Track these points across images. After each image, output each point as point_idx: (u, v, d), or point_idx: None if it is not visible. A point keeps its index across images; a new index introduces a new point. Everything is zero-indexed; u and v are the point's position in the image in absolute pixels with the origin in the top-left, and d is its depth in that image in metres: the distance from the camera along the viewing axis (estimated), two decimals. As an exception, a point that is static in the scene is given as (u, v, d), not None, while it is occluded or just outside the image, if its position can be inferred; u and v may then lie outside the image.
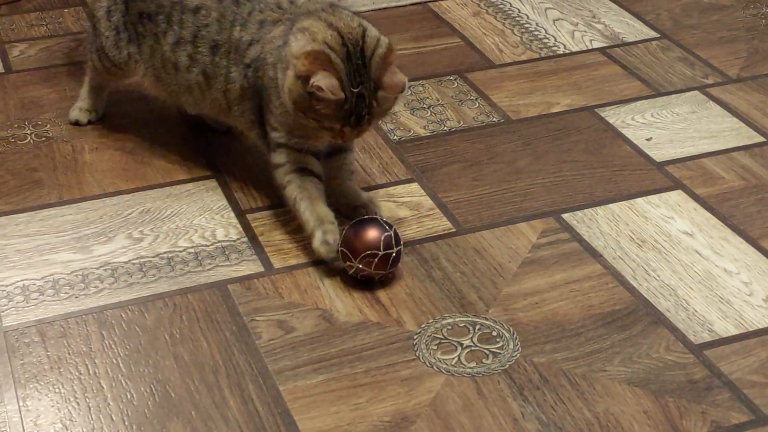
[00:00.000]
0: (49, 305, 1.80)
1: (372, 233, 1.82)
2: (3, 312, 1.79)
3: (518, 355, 1.72)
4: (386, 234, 1.82)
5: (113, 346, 1.72)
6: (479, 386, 1.66)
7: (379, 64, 1.79)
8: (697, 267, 1.91)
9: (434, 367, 1.69)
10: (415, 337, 1.76)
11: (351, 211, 1.96)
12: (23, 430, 1.57)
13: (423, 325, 1.78)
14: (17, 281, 1.85)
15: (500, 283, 1.87)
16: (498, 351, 1.73)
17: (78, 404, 1.61)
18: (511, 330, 1.77)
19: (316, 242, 1.86)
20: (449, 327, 1.78)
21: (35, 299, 1.82)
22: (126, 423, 1.58)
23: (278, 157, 1.93)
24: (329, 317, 1.80)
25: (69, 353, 1.70)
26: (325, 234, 1.85)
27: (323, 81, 1.73)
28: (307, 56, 1.76)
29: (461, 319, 1.80)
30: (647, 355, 1.71)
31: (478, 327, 1.78)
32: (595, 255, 1.93)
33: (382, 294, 1.84)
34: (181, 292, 1.84)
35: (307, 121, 1.82)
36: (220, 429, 1.57)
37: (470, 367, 1.69)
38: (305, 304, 1.82)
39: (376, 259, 1.81)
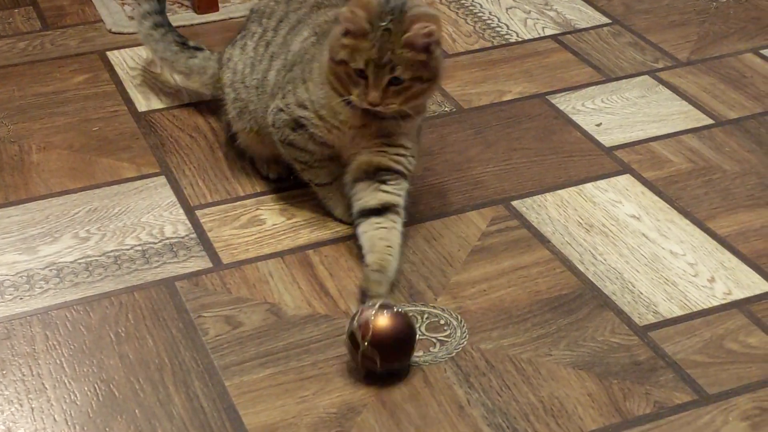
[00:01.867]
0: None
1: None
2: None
3: (465, 342, 1.72)
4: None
5: (57, 346, 1.71)
6: (426, 375, 1.66)
7: (414, 16, 1.79)
8: (643, 250, 1.91)
9: (381, 357, 1.69)
10: (363, 328, 1.75)
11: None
12: (-33, 432, 1.56)
13: (371, 316, 1.78)
14: (-37, 284, 1.85)
15: (449, 272, 1.87)
16: (445, 339, 1.73)
17: (21, 406, 1.61)
18: (459, 318, 1.77)
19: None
20: (397, 317, 1.78)
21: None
22: (69, 423, 1.57)
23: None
24: (277, 311, 1.79)
25: (12, 355, 1.70)
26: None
27: (350, 11, 1.78)
28: (351, 3, 1.81)
29: (410, 308, 1.79)
30: (592, 338, 1.72)
31: (426, 316, 1.78)
32: (544, 241, 1.94)
33: (330, 286, 1.84)
34: (127, 290, 1.83)
35: (339, 70, 1.82)
36: (164, 427, 1.57)
37: (417, 356, 1.69)
38: (253, 298, 1.81)
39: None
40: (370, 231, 1.86)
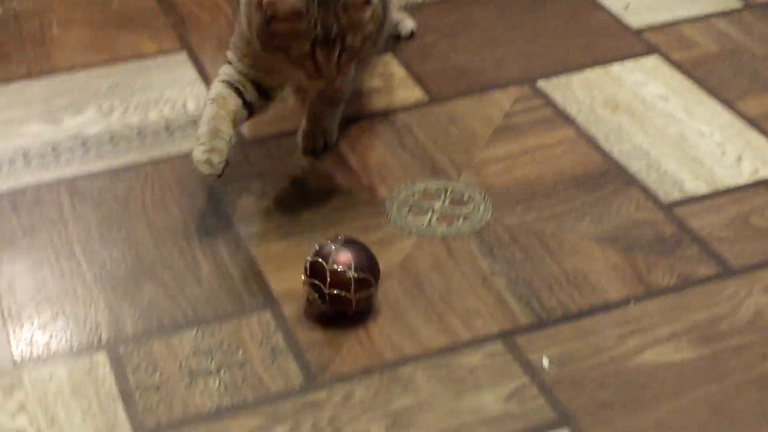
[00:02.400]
0: (20, 175, 1.80)
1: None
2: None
3: (489, 216, 1.72)
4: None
5: (86, 213, 1.72)
6: (449, 247, 1.66)
7: None
8: (670, 129, 1.90)
9: (405, 230, 1.70)
10: (387, 202, 1.76)
11: None
12: (-4, 294, 1.58)
13: (395, 191, 1.78)
14: (-13, 154, 1.85)
15: (473, 150, 1.87)
16: (469, 214, 1.73)
17: (52, 268, 1.62)
18: (483, 193, 1.77)
19: (197, 155, 1.64)
20: (421, 192, 1.78)
21: (6, 170, 1.81)
22: (99, 285, 1.59)
23: (221, 70, 1.76)
24: (301, 183, 1.80)
25: (42, 221, 1.71)
26: (211, 152, 1.64)
27: None
28: None
29: (434, 183, 1.80)
30: (617, 214, 1.72)
31: (449, 191, 1.78)
32: (569, 120, 1.93)
33: (354, 161, 1.84)
34: (152, 162, 1.83)
35: (277, 59, 1.62)
36: (193, 290, 1.58)
37: (441, 229, 1.70)
38: (278, 171, 1.81)
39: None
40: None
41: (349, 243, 1.51)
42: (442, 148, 1.87)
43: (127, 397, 1.41)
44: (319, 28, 1.55)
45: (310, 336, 1.51)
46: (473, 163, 1.84)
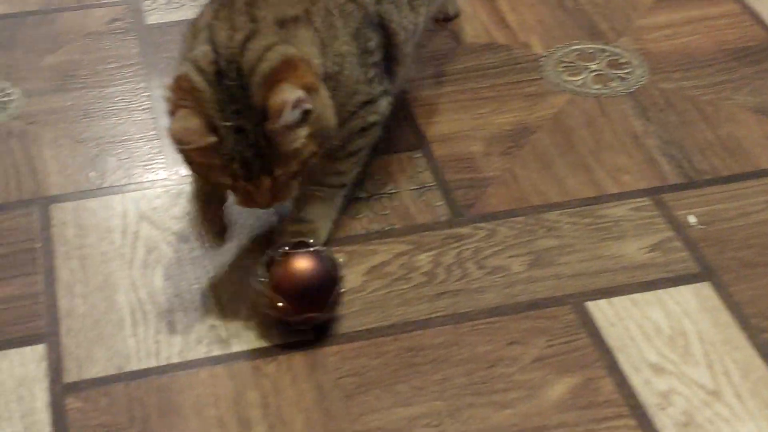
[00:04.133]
0: (188, 9, 1.85)
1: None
2: (146, 12, 1.86)
3: (645, 80, 1.71)
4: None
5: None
6: (602, 105, 1.66)
7: (262, 83, 1.22)
8: (839, 9, 1.85)
9: (559, 86, 1.70)
10: (542, 59, 1.76)
11: None
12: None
13: (551, 49, 1.78)
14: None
15: (633, 16, 1.85)
16: (625, 76, 1.72)
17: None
18: (640, 58, 1.76)
19: None
20: (577, 52, 1.78)
21: (176, 3, 1.87)
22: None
23: None
24: (457, 37, 1.81)
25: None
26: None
27: (177, 125, 1.21)
28: (172, 87, 1.25)
29: (590, 45, 1.79)
30: (777, 86, 1.69)
31: (606, 53, 1.77)
32: (734, -6, 1.89)
33: (511, 18, 1.84)
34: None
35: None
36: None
37: (595, 89, 1.69)
38: (433, 24, 1.83)
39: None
40: None
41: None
42: (602, 11, 1.86)
43: (279, 215, 1.46)
44: (237, 164, 1.22)
45: (457, 177, 1.53)
46: (633, 28, 1.82)
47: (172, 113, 1.23)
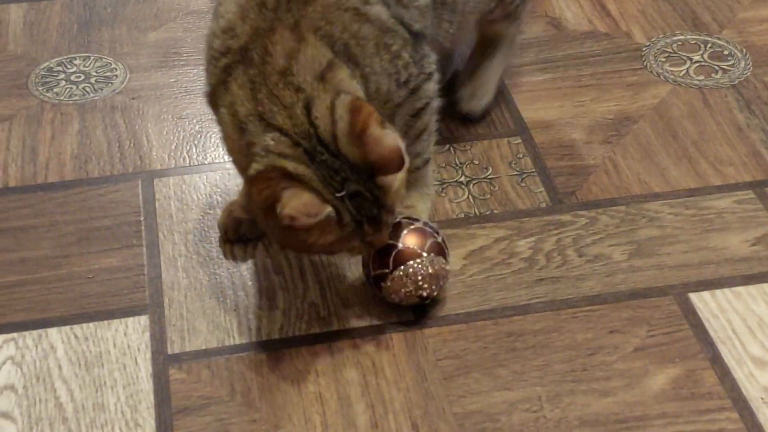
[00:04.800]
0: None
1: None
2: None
3: (749, 73, 1.68)
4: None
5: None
6: (705, 97, 1.64)
7: (351, 143, 1.18)
8: None
9: (661, 76, 1.68)
10: (644, 49, 1.74)
11: None
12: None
13: (653, 39, 1.76)
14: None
15: (736, 8, 1.82)
16: (728, 68, 1.70)
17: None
18: (744, 51, 1.73)
19: None
20: (679, 43, 1.76)
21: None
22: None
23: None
24: (558, 24, 1.80)
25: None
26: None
27: (292, 203, 1.14)
28: (257, 182, 1.18)
29: (693, 36, 1.77)
30: None
31: (709, 45, 1.75)
32: (842, -12, 1.85)
33: (612, 7, 1.83)
34: None
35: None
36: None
37: (698, 80, 1.67)
38: (534, 11, 1.82)
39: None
40: None
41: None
42: (705, 2, 1.84)
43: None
44: (366, 224, 1.20)
45: (558, 163, 1.53)
46: (736, 20, 1.80)
47: (268, 206, 1.16)
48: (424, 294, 1.27)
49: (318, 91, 1.19)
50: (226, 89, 1.22)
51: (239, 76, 1.20)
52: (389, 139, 1.16)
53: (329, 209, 1.16)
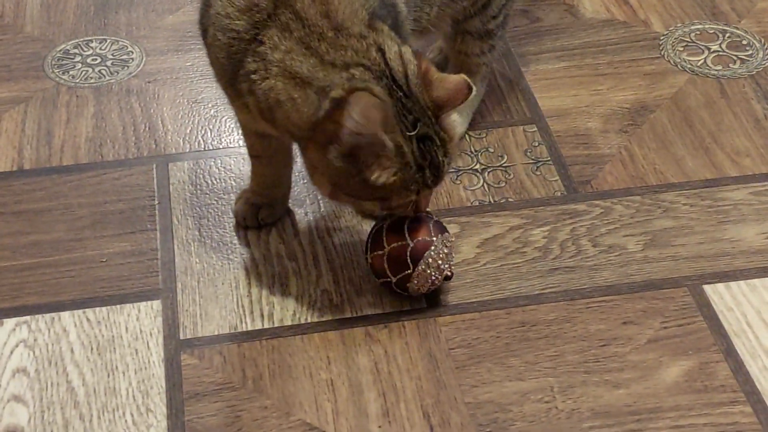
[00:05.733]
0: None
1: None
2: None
3: (767, 63, 1.67)
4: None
5: None
6: (723, 87, 1.63)
7: (421, 84, 1.20)
8: None
9: (678, 66, 1.67)
10: (662, 38, 1.73)
11: None
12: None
13: (671, 28, 1.75)
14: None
15: (756, -2, 1.81)
16: (746, 58, 1.69)
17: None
18: (762, 41, 1.72)
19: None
20: (698, 32, 1.74)
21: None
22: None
23: None
24: (575, 12, 1.79)
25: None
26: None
27: (360, 104, 1.13)
28: (338, 105, 1.15)
29: (711, 26, 1.75)
30: None
31: (727, 35, 1.73)
32: None
33: (631, -5, 1.82)
34: None
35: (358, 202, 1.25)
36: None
37: (716, 70, 1.66)
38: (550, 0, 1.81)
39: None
40: None
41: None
42: (724, -9, 1.83)
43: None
44: (429, 172, 1.20)
45: (573, 152, 1.52)
46: (755, 10, 1.78)
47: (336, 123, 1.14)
48: (449, 273, 1.27)
49: (379, 38, 1.19)
50: (264, 60, 1.19)
51: (280, 42, 1.19)
52: (452, 77, 1.19)
53: (389, 113, 1.14)
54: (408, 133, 1.17)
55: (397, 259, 1.25)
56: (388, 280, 1.27)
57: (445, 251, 1.26)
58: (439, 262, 1.26)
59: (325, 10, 1.19)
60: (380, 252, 1.26)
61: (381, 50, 1.18)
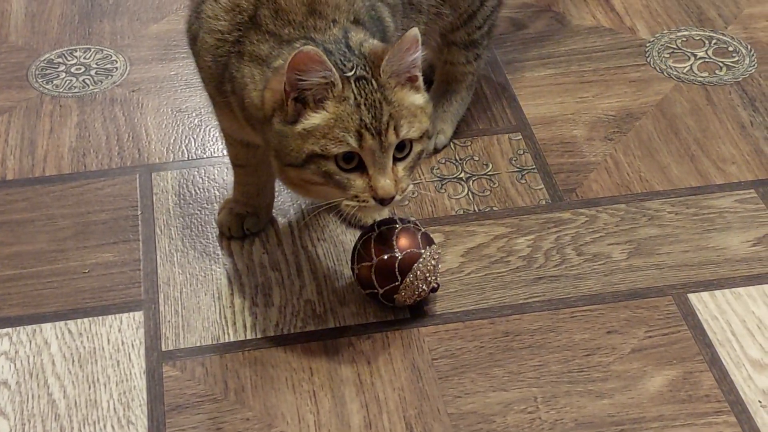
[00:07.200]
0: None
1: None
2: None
3: (753, 70, 1.67)
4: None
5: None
6: (709, 94, 1.62)
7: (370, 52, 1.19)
8: None
9: (664, 73, 1.67)
10: (648, 44, 1.73)
11: None
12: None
13: (657, 35, 1.75)
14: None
15: (742, 4, 1.81)
16: (733, 65, 1.68)
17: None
18: (749, 47, 1.71)
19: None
20: (684, 38, 1.74)
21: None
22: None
23: None
24: (561, 19, 1.78)
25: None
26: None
27: (303, 51, 1.13)
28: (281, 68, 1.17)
29: (697, 32, 1.75)
30: None
31: (714, 41, 1.73)
32: None
33: (617, 2, 1.81)
34: None
35: (305, 174, 1.19)
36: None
37: (702, 76, 1.66)
38: (537, 4, 1.80)
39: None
40: None
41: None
42: (711, -2, 1.82)
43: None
44: (370, 115, 1.16)
45: (559, 160, 1.51)
46: (742, 16, 1.78)
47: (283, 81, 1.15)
48: (435, 285, 1.27)
49: (352, 29, 1.21)
50: (242, 56, 1.22)
51: (256, 37, 1.21)
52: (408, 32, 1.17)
53: (329, 63, 1.14)
54: (345, 75, 1.15)
55: (384, 270, 1.25)
56: (375, 291, 1.27)
57: (433, 263, 1.26)
58: (427, 274, 1.25)
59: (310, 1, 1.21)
60: (368, 263, 1.25)
61: (346, 35, 1.19)
